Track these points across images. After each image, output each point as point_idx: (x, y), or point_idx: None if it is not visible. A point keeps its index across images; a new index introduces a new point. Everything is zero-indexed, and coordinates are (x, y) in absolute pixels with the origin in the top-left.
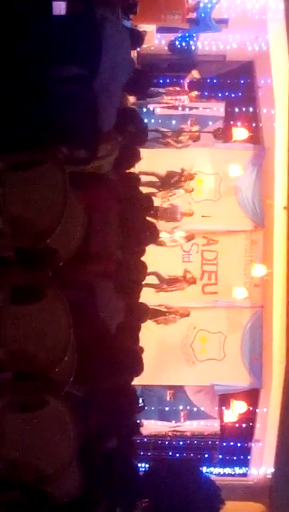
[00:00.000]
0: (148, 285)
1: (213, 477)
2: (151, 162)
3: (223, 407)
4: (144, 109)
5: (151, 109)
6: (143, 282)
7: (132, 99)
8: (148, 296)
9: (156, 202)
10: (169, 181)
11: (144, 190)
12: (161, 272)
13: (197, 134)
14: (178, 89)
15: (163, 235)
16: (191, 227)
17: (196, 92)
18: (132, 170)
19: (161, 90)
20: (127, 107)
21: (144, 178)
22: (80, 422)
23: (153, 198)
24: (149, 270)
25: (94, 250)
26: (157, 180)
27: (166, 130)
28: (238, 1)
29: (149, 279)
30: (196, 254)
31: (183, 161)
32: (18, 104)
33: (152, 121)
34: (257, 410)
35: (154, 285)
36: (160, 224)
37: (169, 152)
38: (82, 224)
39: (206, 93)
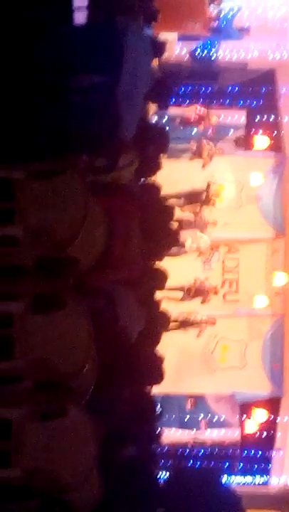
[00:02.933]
0: (171, 298)
1: (234, 486)
2: (172, 172)
3: (244, 416)
4: (166, 117)
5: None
6: (166, 294)
7: (153, 107)
8: (170, 304)
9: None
10: (196, 199)
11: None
12: (184, 283)
13: (216, 151)
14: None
15: (187, 244)
16: (212, 235)
17: (215, 118)
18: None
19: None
20: (148, 119)
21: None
22: (100, 431)
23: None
24: (171, 278)
25: (115, 258)
26: (181, 198)
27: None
28: (259, 9)
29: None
30: (217, 262)
31: (205, 169)
32: (39, 112)
33: (173, 129)
34: (278, 419)
35: (177, 298)
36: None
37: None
38: (103, 232)
39: (227, 101)
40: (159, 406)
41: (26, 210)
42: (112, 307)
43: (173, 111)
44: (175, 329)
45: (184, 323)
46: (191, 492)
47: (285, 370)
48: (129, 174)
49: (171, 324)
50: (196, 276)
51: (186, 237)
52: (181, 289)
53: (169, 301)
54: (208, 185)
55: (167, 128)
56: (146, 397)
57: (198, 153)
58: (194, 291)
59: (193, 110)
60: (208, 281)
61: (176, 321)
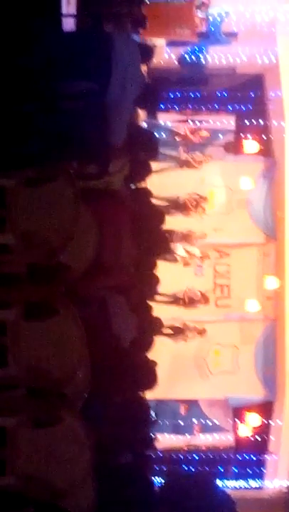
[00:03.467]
0: (164, 302)
1: (228, 490)
2: (161, 177)
3: (238, 420)
4: (162, 123)
5: (162, 123)
6: (158, 300)
7: (142, 113)
8: (161, 310)
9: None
10: (185, 209)
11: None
12: (176, 290)
13: (204, 158)
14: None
15: (179, 253)
16: (203, 241)
17: (205, 133)
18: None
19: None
20: (138, 124)
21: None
22: (94, 438)
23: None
24: (162, 285)
25: (106, 265)
26: (169, 204)
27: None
28: (247, 14)
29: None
30: (208, 267)
31: (194, 174)
32: (29, 119)
33: (163, 134)
34: (271, 423)
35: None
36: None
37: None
38: (93, 239)
39: (216, 106)
40: (153, 412)
41: (17, 218)
42: (104, 314)
43: (162, 118)
44: (166, 335)
45: (174, 330)
46: (186, 497)
47: (278, 374)
48: (119, 181)
49: (163, 330)
50: (187, 285)
51: (177, 245)
52: (172, 296)
53: (159, 308)
54: (198, 198)
55: (156, 134)
56: (140, 403)
57: (186, 164)
58: (187, 302)
59: (183, 126)
60: (197, 291)
61: (167, 328)
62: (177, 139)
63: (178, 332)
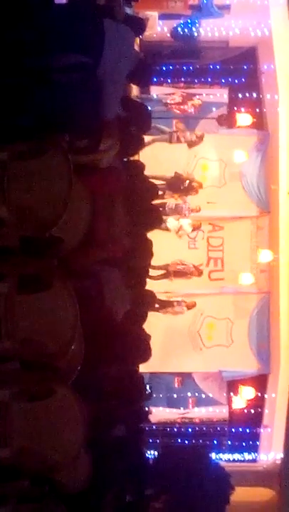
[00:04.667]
0: (154, 277)
1: (222, 463)
2: (154, 151)
3: (232, 393)
4: (154, 95)
5: (155, 96)
6: (150, 273)
7: (135, 87)
8: (153, 283)
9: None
10: (178, 187)
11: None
12: (168, 262)
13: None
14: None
15: (170, 224)
16: (196, 214)
17: (198, 101)
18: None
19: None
20: (130, 98)
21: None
22: (88, 410)
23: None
24: (155, 257)
25: (100, 237)
26: (164, 182)
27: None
28: None
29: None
30: (201, 240)
31: (186, 148)
32: (21, 93)
33: (155, 108)
34: (265, 396)
35: (161, 276)
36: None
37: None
38: (87, 211)
39: (209, 79)
40: (147, 385)
41: (10, 191)
42: (97, 286)
43: (155, 92)
44: (156, 309)
45: (164, 303)
46: (180, 470)
47: (272, 347)
48: (109, 158)
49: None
50: (179, 258)
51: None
52: (164, 267)
53: (152, 281)
54: (186, 177)
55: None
56: (134, 376)
57: (177, 139)
58: (174, 274)
59: (177, 95)
60: (190, 263)
61: (162, 303)
62: (170, 110)
63: (165, 305)
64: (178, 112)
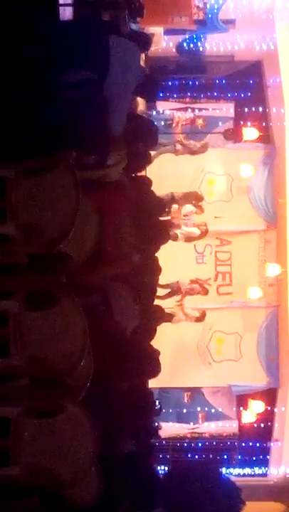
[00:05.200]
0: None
1: (233, 478)
2: (161, 167)
3: (241, 408)
4: (154, 112)
5: (161, 111)
6: (158, 287)
7: (141, 103)
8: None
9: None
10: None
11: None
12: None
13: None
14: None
15: (178, 231)
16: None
17: (201, 122)
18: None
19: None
20: (137, 114)
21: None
22: (97, 426)
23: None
24: (164, 275)
25: (108, 253)
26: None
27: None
28: (244, 1)
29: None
30: (209, 255)
31: (194, 162)
32: (28, 110)
33: (162, 123)
34: (275, 410)
35: (168, 296)
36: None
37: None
38: (94, 228)
39: (215, 94)
40: (156, 400)
41: (18, 208)
42: (106, 303)
43: (161, 107)
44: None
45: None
46: (190, 485)
47: (281, 361)
48: (117, 173)
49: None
50: (188, 279)
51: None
52: (171, 287)
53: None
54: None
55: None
56: (143, 391)
57: (182, 148)
58: (184, 293)
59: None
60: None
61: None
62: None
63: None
64: (183, 125)
